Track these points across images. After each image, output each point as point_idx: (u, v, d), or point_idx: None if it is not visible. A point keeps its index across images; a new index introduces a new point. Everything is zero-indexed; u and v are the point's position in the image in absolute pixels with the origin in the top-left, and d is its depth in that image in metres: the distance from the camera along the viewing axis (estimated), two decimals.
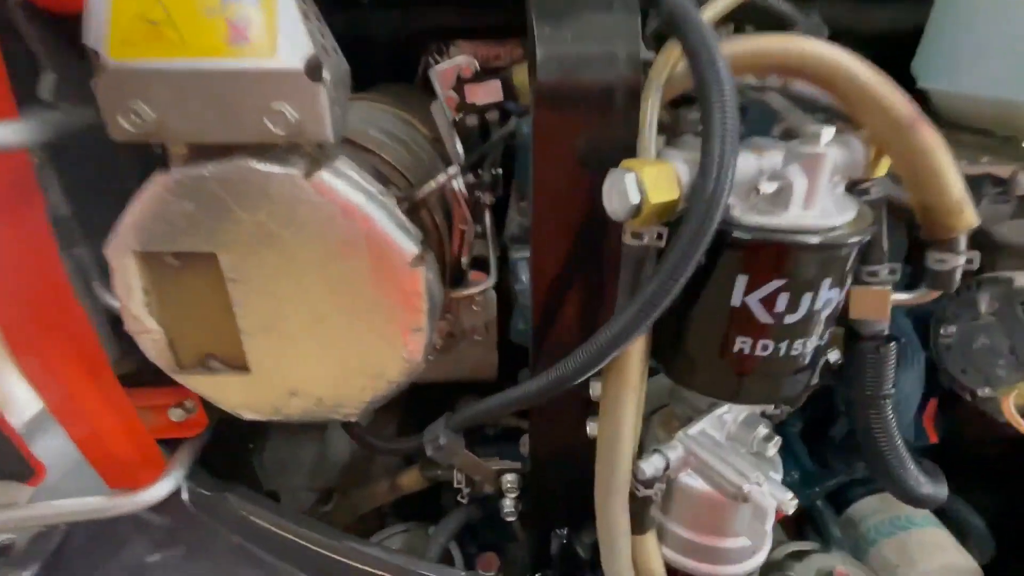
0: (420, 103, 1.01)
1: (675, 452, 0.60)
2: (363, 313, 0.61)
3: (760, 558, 0.65)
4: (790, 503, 0.57)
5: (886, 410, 0.58)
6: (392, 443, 0.81)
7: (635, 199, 0.40)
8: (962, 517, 0.98)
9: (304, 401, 0.69)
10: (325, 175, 0.55)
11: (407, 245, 0.59)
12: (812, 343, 0.48)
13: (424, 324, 0.63)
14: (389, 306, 0.61)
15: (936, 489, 0.67)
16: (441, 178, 0.70)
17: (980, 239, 0.80)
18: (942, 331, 0.75)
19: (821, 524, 1.00)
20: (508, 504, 0.76)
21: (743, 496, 0.56)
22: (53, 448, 0.85)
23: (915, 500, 0.64)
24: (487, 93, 0.89)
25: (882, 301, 0.53)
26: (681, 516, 0.63)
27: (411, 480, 0.83)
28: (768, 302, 0.44)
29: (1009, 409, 0.62)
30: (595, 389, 0.58)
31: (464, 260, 0.84)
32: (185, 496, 0.86)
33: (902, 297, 0.53)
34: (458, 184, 0.80)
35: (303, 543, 0.77)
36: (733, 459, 0.59)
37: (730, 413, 0.64)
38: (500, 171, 0.83)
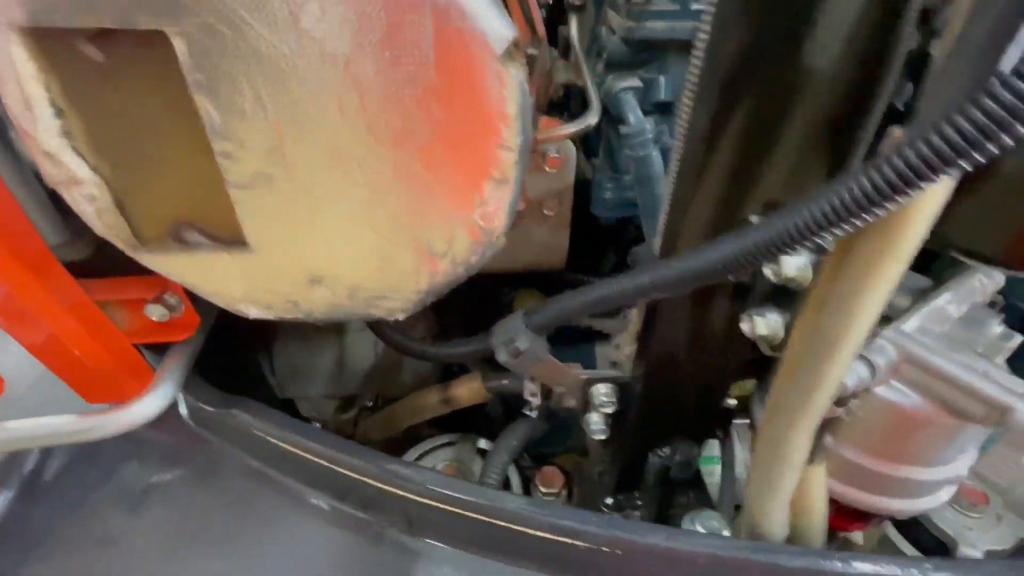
0: None
1: (883, 356, 0.42)
2: (417, 146, 0.38)
3: (949, 493, 0.50)
4: None
5: None
6: (444, 347, 0.62)
7: None
8: None
9: (331, 292, 0.48)
10: None
11: (496, 25, 0.34)
12: None
13: (512, 172, 0.41)
14: (460, 134, 0.38)
15: None
16: None
17: None
18: None
19: None
20: (596, 420, 0.60)
21: (1003, 418, 0.38)
22: (15, 353, 0.67)
23: None
24: None
25: None
26: (861, 439, 0.46)
27: (469, 392, 0.67)
28: None
29: None
30: (788, 266, 0.38)
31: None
32: (184, 411, 0.70)
33: None
34: None
35: (335, 467, 0.61)
36: (981, 366, 0.41)
37: (954, 303, 0.45)
38: None
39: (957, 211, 0.34)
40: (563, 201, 0.65)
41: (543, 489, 0.80)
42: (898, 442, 0.45)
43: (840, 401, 0.42)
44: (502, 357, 0.53)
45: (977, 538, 0.72)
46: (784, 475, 0.43)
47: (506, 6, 0.52)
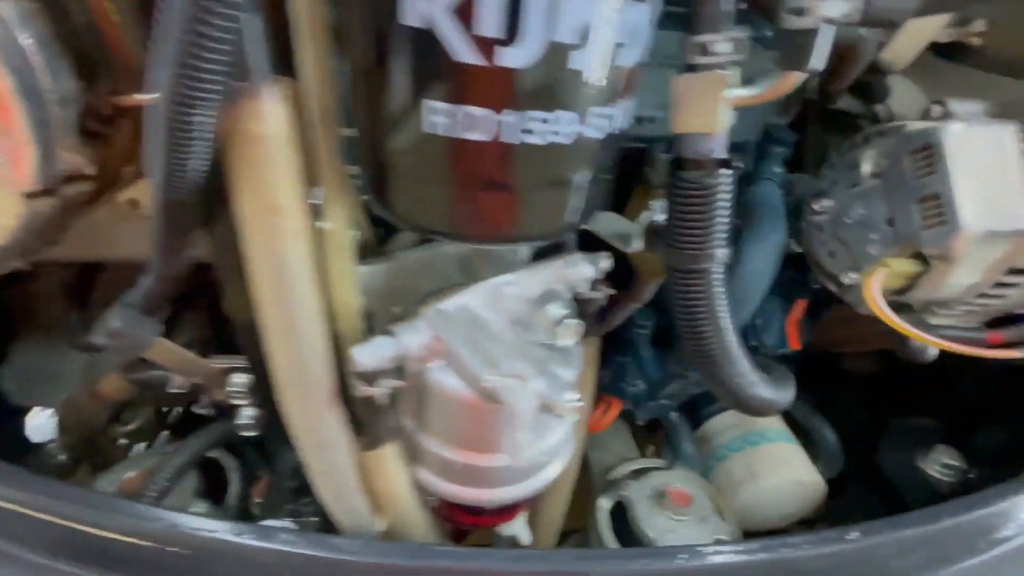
0: None
1: (415, 335, 0.41)
2: None
3: (547, 475, 0.49)
4: (567, 406, 0.40)
5: (711, 279, 0.40)
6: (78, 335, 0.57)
7: None
8: (815, 430, 0.90)
9: None
10: None
11: None
12: (574, 123, 0.27)
13: (24, 128, 0.38)
14: None
15: (776, 394, 0.54)
16: None
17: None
18: (816, 206, 0.59)
19: (672, 439, 0.90)
20: (245, 415, 0.56)
21: (487, 393, 0.38)
22: None
23: (746, 403, 0.50)
24: None
25: (712, 96, 0.33)
26: (436, 426, 0.45)
27: (112, 385, 0.61)
28: (467, 11, 0.22)
29: (872, 292, 0.48)
30: None
31: None
32: None
33: (741, 93, 0.34)
34: None
35: None
36: (490, 345, 0.41)
37: (515, 286, 0.45)
38: None
39: (405, 194, 0.34)
40: None
41: (257, 498, 0.74)
42: (462, 427, 0.44)
43: (369, 379, 0.40)
44: (99, 340, 0.49)
45: (675, 539, 0.73)
46: (319, 459, 0.41)
47: None
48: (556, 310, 0.45)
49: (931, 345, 0.47)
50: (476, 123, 0.25)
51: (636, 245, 0.47)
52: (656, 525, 0.74)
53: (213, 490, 0.81)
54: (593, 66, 0.26)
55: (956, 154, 0.44)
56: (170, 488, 0.64)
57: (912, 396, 0.98)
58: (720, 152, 0.36)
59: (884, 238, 0.50)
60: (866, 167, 0.53)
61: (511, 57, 0.24)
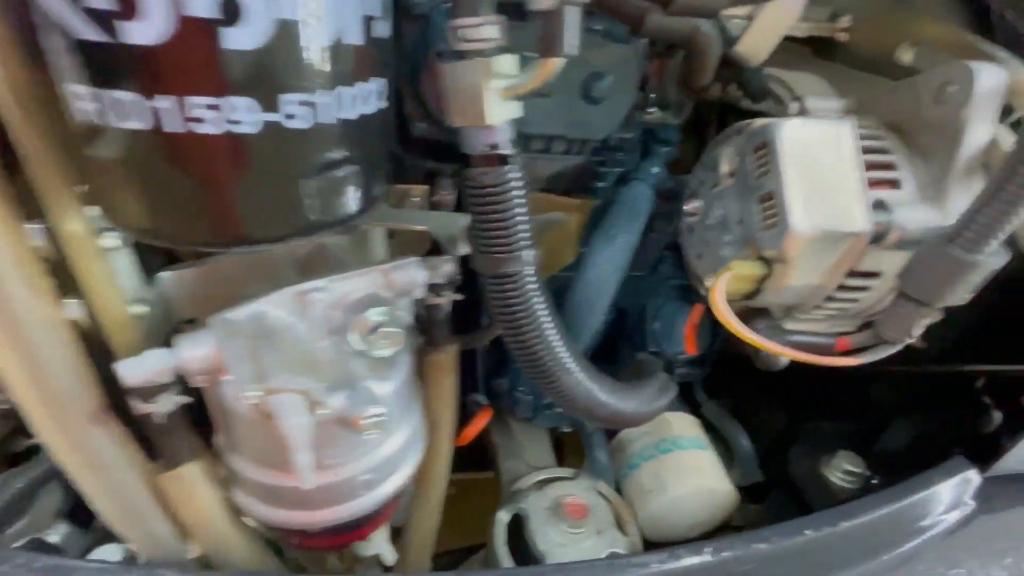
0: None
1: (195, 347, 0.38)
2: None
3: (382, 492, 0.46)
4: (366, 422, 0.38)
5: (523, 283, 0.38)
6: None
7: None
8: (729, 436, 0.89)
9: None
10: None
11: None
12: (256, 111, 0.23)
13: None
14: None
15: (635, 403, 0.51)
16: None
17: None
18: (687, 207, 0.57)
19: (586, 448, 0.87)
20: None
21: (260, 409, 0.35)
22: None
23: (592, 415, 0.47)
24: None
25: (477, 85, 0.31)
26: (239, 444, 0.42)
27: None
28: None
29: (715, 296, 0.46)
30: None
31: None
32: None
33: (509, 83, 0.31)
34: None
35: None
36: (275, 357, 0.38)
37: (324, 292, 0.42)
38: None
39: (99, 190, 0.30)
40: None
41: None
42: (258, 445, 0.41)
43: (146, 395, 0.37)
44: None
45: (567, 552, 0.70)
46: (89, 480, 0.37)
47: None
48: (373, 317, 0.42)
49: (771, 352, 0.45)
50: (127, 110, 0.22)
51: (463, 249, 0.44)
52: (549, 539, 0.71)
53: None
54: (260, 46, 0.23)
55: (789, 152, 0.42)
56: (13, 511, 0.60)
57: (829, 400, 0.97)
58: (503, 147, 0.33)
59: (735, 239, 0.48)
60: (724, 166, 0.51)
61: (138, 33, 0.21)
